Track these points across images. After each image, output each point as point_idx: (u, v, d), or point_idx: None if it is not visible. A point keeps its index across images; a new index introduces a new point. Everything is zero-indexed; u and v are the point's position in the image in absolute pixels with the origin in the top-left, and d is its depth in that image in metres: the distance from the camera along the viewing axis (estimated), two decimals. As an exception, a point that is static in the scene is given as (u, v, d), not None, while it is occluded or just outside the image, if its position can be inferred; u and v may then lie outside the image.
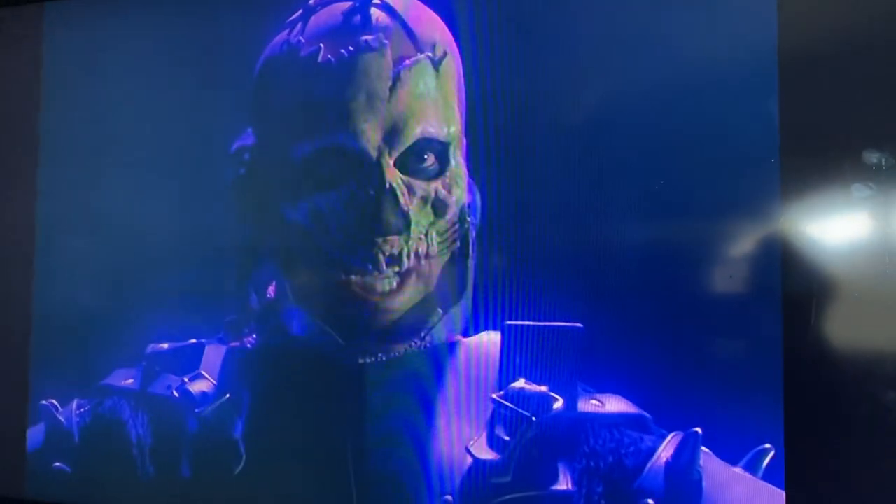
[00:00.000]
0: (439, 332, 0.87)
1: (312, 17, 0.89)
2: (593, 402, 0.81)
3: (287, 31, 0.90)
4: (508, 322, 0.84)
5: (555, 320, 0.82)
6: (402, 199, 0.84)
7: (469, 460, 0.84)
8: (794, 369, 0.74)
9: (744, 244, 0.76)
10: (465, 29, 0.85)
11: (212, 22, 0.97)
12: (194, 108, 0.97)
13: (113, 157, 1.02)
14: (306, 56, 0.88)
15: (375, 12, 0.86)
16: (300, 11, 0.90)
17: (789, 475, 0.74)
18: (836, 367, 0.74)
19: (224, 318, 0.95)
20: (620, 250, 0.80)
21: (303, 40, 0.89)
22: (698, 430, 0.77)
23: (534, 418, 0.82)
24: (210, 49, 0.97)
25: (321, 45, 0.87)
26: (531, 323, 0.83)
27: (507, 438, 0.83)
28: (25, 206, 1.07)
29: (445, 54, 0.84)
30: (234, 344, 0.94)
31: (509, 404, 0.83)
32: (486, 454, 0.84)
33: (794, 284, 0.75)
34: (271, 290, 0.93)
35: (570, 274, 0.81)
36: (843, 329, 0.74)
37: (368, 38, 0.84)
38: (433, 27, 0.86)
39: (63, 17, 1.06)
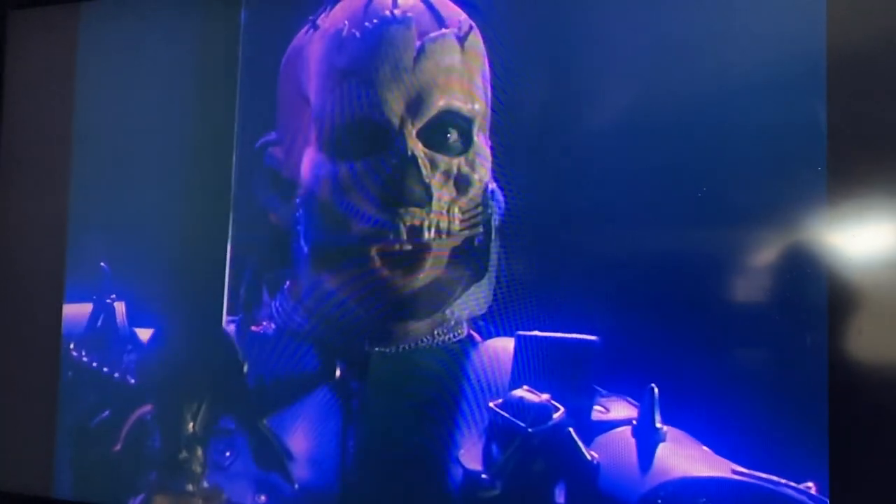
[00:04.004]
0: (458, 312, 0.86)
1: (339, 4, 0.91)
2: (598, 409, 0.80)
3: (312, 17, 0.93)
4: (520, 332, 0.83)
5: (588, 329, 0.80)
6: (424, 171, 0.84)
7: (459, 470, 0.84)
8: (840, 380, 0.71)
9: (789, 252, 0.74)
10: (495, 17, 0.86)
11: (245, 19, 0.99)
12: (225, 105, 0.99)
13: (144, 153, 1.04)
14: (331, 33, 0.89)
15: (402, -7, 0.88)
16: (326, 1, 0.93)
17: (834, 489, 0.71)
18: (884, 378, 0.71)
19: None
20: (660, 257, 0.78)
21: (328, 22, 0.91)
22: None
23: (529, 430, 0.81)
24: (243, 45, 0.99)
25: (346, 21, 0.88)
26: (545, 334, 0.82)
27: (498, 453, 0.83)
28: (58, 202, 1.08)
29: (471, 29, 0.85)
30: (255, 328, 0.96)
31: (505, 414, 0.83)
32: (476, 465, 0.83)
33: (840, 293, 0.72)
34: (288, 278, 0.95)
35: (602, 280, 0.80)
36: (892, 338, 0.71)
37: (394, 11, 0.86)
38: (458, 8, 0.87)
39: (97, 16, 1.09)
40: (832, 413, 0.71)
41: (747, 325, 0.75)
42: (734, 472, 0.73)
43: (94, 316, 1.05)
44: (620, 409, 0.79)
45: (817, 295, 0.72)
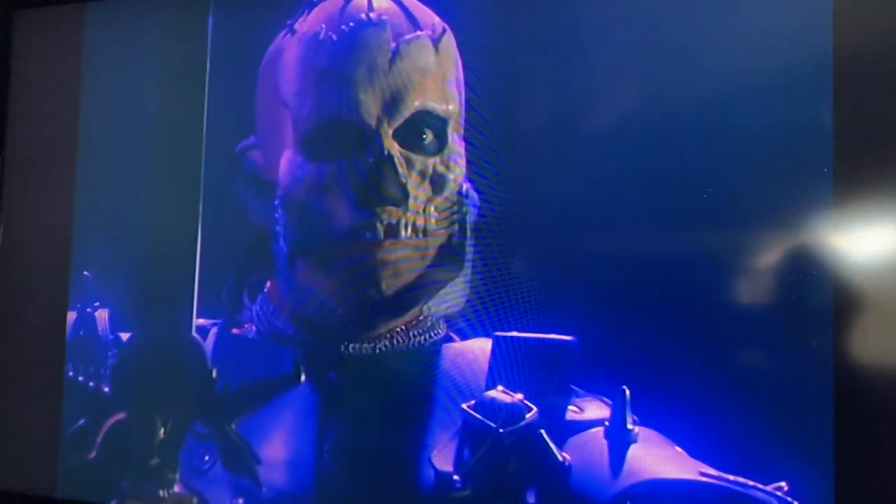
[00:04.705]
0: (434, 310, 0.87)
1: (316, 8, 0.93)
2: (572, 409, 0.80)
3: (290, 21, 0.94)
4: (497, 333, 0.84)
5: (588, 331, 0.80)
6: (400, 170, 0.86)
7: (431, 471, 0.84)
8: (845, 384, 0.70)
9: (794, 254, 0.73)
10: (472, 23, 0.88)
11: (245, 23, 1.00)
12: (219, 108, 1.00)
13: (143, 154, 1.04)
14: (308, 37, 0.91)
15: (377, -1, 0.90)
16: (303, 6, 0.94)
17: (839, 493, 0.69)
18: (890, 382, 0.70)
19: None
20: (656, 261, 0.78)
21: (305, 26, 0.92)
22: None
23: (501, 430, 0.81)
24: (211, 50, 1.01)
25: (323, 25, 0.90)
26: (523, 335, 0.82)
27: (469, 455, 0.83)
28: (64, 203, 1.08)
29: (445, 31, 0.87)
30: (235, 330, 0.98)
31: (477, 415, 0.83)
32: (447, 466, 0.84)
33: (845, 296, 0.71)
34: (268, 280, 0.96)
35: (598, 284, 0.80)
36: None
37: (370, 14, 0.87)
38: (432, 12, 0.89)
39: (102, 16, 1.09)
40: (837, 417, 0.70)
41: (753, 327, 0.74)
42: (702, 473, 0.71)
43: (77, 324, 1.06)
44: (595, 410, 0.79)
45: (822, 298, 0.72)
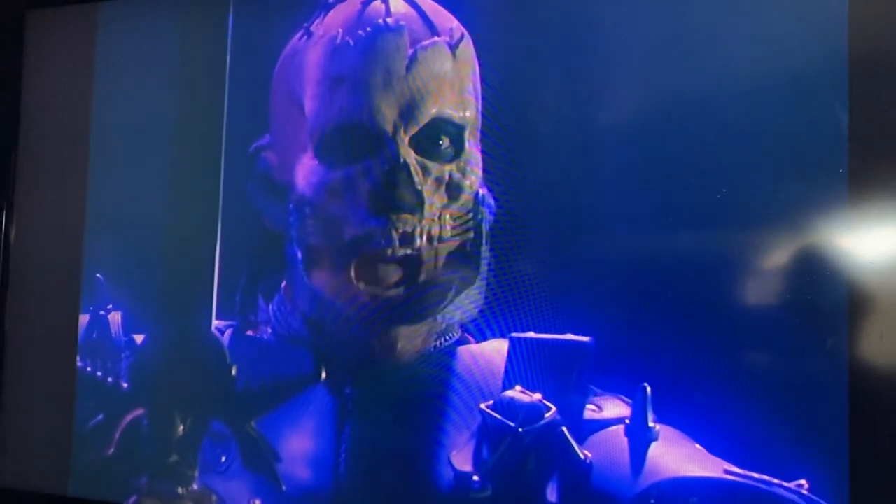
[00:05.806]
0: (450, 317, 0.87)
1: (332, 11, 0.92)
2: (591, 407, 0.80)
3: (306, 24, 0.93)
4: (514, 334, 0.84)
5: (602, 331, 0.80)
6: (416, 178, 0.85)
7: (451, 471, 0.85)
8: (861, 385, 0.71)
9: (810, 255, 0.73)
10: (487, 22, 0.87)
11: (266, 23, 0.99)
12: (240, 108, 0.99)
13: (157, 154, 1.04)
14: (325, 41, 0.90)
15: (394, 1, 0.89)
16: (319, 8, 0.93)
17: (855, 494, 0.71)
18: None
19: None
20: (672, 261, 0.78)
21: (321, 29, 0.91)
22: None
23: (520, 430, 0.82)
24: (231, 49, 1.00)
25: (340, 29, 0.89)
26: (540, 336, 0.83)
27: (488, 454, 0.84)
28: (76, 204, 1.08)
29: (462, 37, 0.86)
30: (251, 333, 0.97)
31: (495, 414, 0.83)
32: (467, 466, 0.84)
33: (861, 296, 0.71)
34: (282, 283, 0.95)
35: (614, 286, 0.80)
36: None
37: (387, 20, 0.87)
38: (450, 16, 0.88)
39: (115, 16, 1.09)
40: (852, 416, 0.71)
41: (768, 327, 0.74)
42: (726, 471, 0.74)
43: (90, 327, 1.05)
44: (614, 408, 0.80)
45: (837, 298, 0.72)
